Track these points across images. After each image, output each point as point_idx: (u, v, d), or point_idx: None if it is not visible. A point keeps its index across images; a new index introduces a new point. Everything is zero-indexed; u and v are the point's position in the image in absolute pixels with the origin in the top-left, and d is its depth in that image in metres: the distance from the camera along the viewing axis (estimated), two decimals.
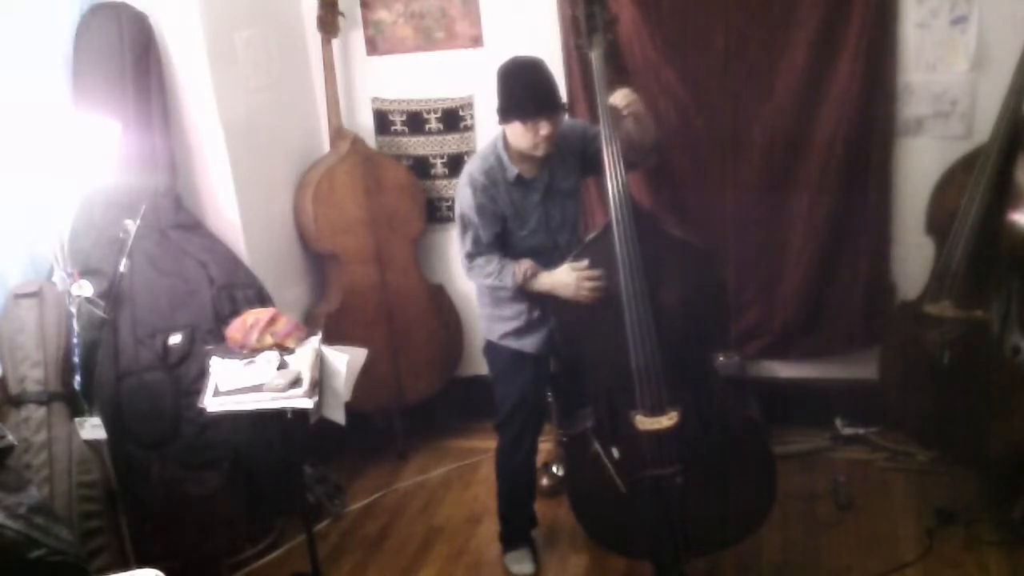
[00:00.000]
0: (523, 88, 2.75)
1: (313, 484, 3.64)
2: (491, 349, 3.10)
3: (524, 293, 2.89)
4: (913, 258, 3.46)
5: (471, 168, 2.89)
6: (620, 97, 2.75)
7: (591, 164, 2.88)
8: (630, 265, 2.66)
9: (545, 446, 3.52)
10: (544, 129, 2.74)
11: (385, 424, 4.05)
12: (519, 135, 2.78)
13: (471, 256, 2.92)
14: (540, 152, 2.80)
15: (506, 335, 3.02)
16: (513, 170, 2.86)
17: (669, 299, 2.71)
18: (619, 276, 2.67)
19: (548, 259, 2.89)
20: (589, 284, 2.73)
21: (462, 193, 2.88)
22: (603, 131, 2.73)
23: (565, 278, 2.76)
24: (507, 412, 3.09)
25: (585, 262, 2.74)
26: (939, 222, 3.21)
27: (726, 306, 2.88)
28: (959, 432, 3.18)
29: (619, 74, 2.88)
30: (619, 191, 2.68)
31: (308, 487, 3.58)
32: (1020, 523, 3.08)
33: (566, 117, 2.96)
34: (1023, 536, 3.05)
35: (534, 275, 2.83)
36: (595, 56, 2.80)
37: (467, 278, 3.04)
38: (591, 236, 2.87)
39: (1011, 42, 3.07)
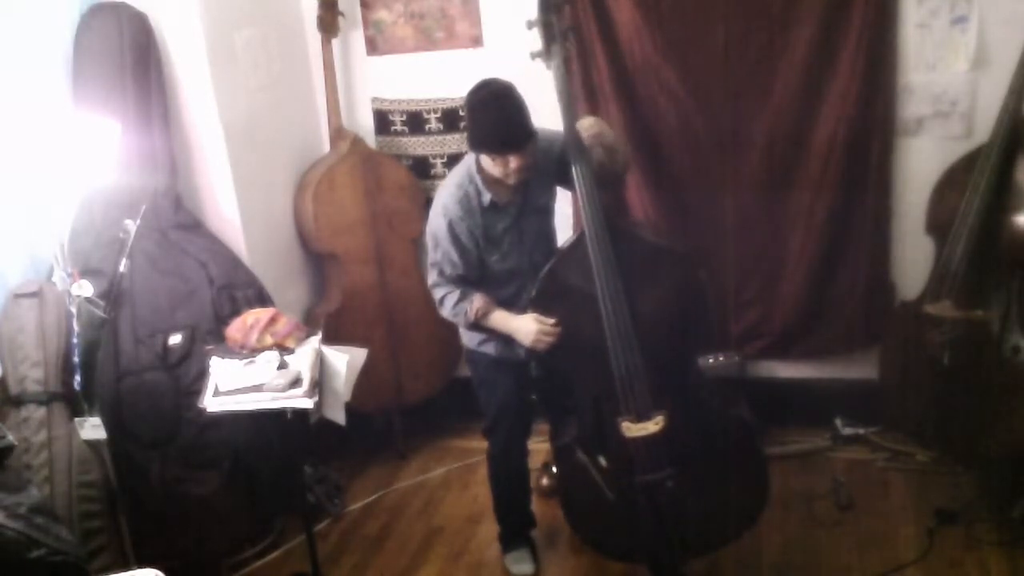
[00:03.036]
0: (491, 123, 2.66)
1: (313, 484, 3.64)
2: (471, 356, 3.07)
3: (480, 328, 2.87)
4: (913, 258, 3.46)
5: (445, 198, 2.81)
6: (585, 127, 2.73)
7: (565, 176, 2.78)
8: (605, 273, 2.65)
9: (544, 446, 3.52)
10: (514, 162, 2.67)
11: (385, 424, 4.05)
12: (490, 165, 2.72)
13: (435, 285, 2.88)
14: (512, 181, 2.74)
15: (484, 342, 2.97)
16: (487, 195, 2.79)
17: (647, 304, 2.70)
18: (595, 284, 2.66)
19: (523, 280, 2.86)
20: (548, 340, 2.73)
21: (436, 222, 2.82)
22: (569, 144, 2.69)
23: (526, 326, 2.75)
24: (492, 418, 3.09)
25: (552, 320, 2.72)
26: (939, 222, 3.21)
27: (707, 307, 2.86)
28: (959, 432, 3.18)
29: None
30: (590, 200, 2.65)
31: (308, 487, 3.58)
32: (1020, 523, 3.08)
33: (543, 131, 2.82)
34: (1023, 536, 3.05)
35: (486, 314, 2.81)
36: (555, 67, 2.72)
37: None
38: (565, 245, 2.85)
39: (1011, 42, 3.08)
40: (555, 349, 2.77)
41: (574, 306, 2.73)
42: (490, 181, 2.78)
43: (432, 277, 2.89)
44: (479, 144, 2.71)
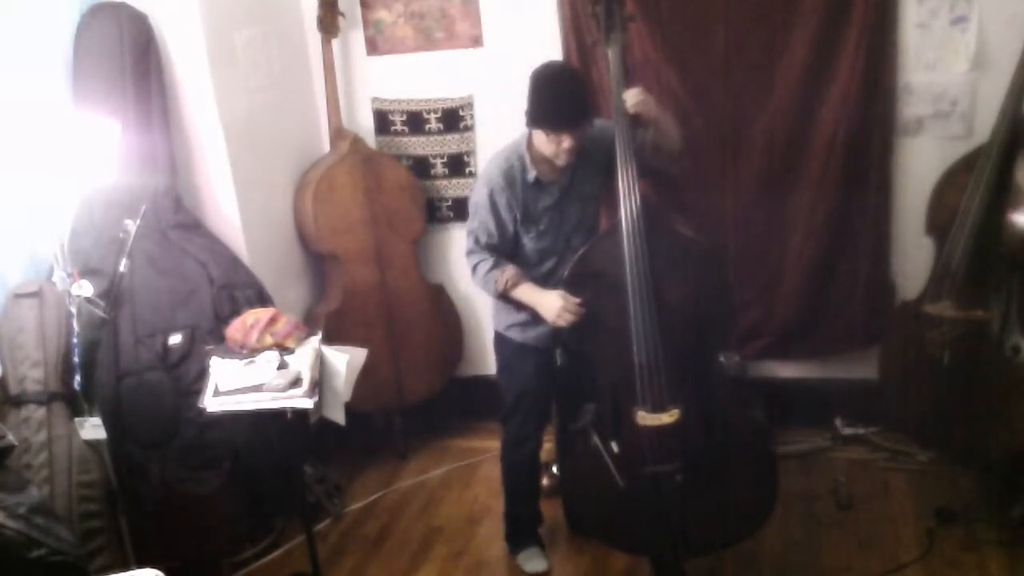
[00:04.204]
0: (552, 99, 2.74)
1: (313, 484, 3.64)
2: (497, 340, 3.13)
3: (508, 299, 2.92)
4: (913, 258, 3.46)
5: (491, 168, 2.91)
6: (630, 96, 2.74)
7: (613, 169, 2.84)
8: (637, 261, 2.67)
9: (546, 445, 3.51)
10: (567, 142, 2.74)
11: (385, 424, 4.06)
12: (543, 143, 2.79)
13: (469, 252, 2.97)
14: (561, 162, 2.81)
15: (511, 326, 3.03)
16: (532, 172, 2.86)
17: (675, 296, 2.72)
18: (625, 272, 2.68)
19: (559, 260, 2.91)
20: (570, 317, 2.76)
21: (479, 190, 2.92)
22: (617, 129, 2.72)
23: (552, 302, 2.78)
24: (511, 404, 3.11)
25: (578, 300, 2.76)
26: (939, 222, 3.21)
27: (731, 305, 2.88)
28: (959, 432, 3.18)
29: (627, 75, 2.86)
30: (629, 188, 2.68)
31: (308, 487, 3.58)
32: (1020, 523, 3.08)
33: (598, 121, 2.93)
34: (1023, 536, 3.05)
35: (515, 285, 2.87)
36: (612, 53, 2.79)
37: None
38: (601, 232, 2.89)
39: (1011, 42, 3.08)
40: (579, 331, 2.80)
41: (604, 292, 2.75)
42: (538, 159, 2.86)
43: (468, 244, 2.97)
44: (536, 119, 2.78)
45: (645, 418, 2.73)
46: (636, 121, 2.76)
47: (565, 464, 3.18)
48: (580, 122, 2.76)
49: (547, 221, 2.91)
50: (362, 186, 3.76)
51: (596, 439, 2.80)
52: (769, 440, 2.93)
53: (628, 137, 2.71)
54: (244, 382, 2.76)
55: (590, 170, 2.92)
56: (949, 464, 3.41)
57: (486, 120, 3.82)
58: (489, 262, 2.91)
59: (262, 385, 2.73)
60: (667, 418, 2.72)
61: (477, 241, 2.94)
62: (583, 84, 2.78)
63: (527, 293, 2.88)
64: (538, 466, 3.26)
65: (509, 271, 2.88)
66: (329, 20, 3.71)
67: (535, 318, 2.94)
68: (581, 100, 2.79)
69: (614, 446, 2.78)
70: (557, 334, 2.91)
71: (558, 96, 2.75)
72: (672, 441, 2.74)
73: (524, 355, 3.05)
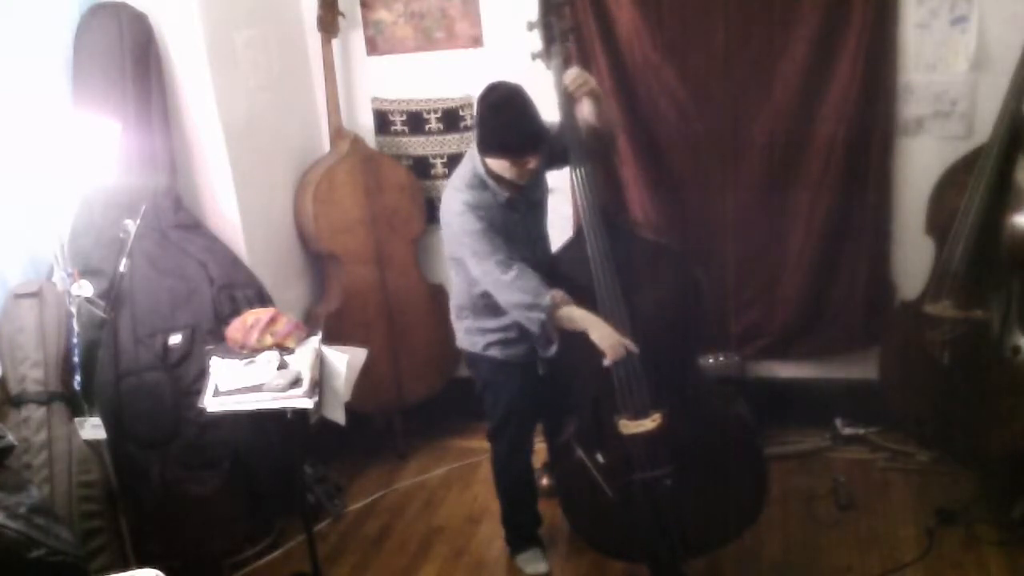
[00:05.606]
0: (510, 126, 2.64)
1: (313, 484, 3.64)
2: (474, 360, 3.04)
3: (550, 326, 2.68)
4: (913, 258, 3.46)
5: (463, 197, 2.73)
6: (570, 77, 2.67)
7: (555, 157, 2.78)
8: (603, 270, 2.65)
9: (541, 446, 3.51)
10: (532, 162, 2.68)
11: (385, 424, 4.06)
12: (504, 167, 2.70)
13: (503, 268, 2.66)
14: (525, 181, 2.76)
15: (490, 346, 2.95)
16: (503, 194, 2.77)
17: (646, 302, 2.70)
18: (592, 282, 2.66)
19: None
20: (625, 352, 2.62)
21: (464, 220, 2.70)
22: (568, 142, 2.70)
23: (612, 332, 2.61)
24: (500, 419, 3.06)
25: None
26: (939, 222, 3.21)
27: (703, 304, 2.87)
28: (959, 432, 3.19)
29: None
30: (588, 199, 2.66)
31: (308, 487, 3.58)
32: (1020, 523, 3.08)
33: None
34: (1023, 536, 3.05)
35: (566, 303, 2.65)
36: (554, 67, 2.75)
37: (496, 295, 2.74)
38: (564, 244, 2.86)
39: (1011, 42, 3.08)
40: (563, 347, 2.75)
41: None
42: (499, 180, 2.78)
43: (490, 265, 2.67)
44: (497, 148, 2.68)
45: (628, 426, 2.72)
46: (580, 104, 2.69)
47: (557, 476, 3.16)
48: (542, 141, 2.67)
49: (522, 235, 2.84)
50: (362, 186, 3.76)
51: (580, 452, 2.78)
52: (755, 434, 2.92)
53: (581, 150, 2.68)
54: (244, 382, 2.76)
55: (537, 177, 2.86)
56: (949, 464, 3.41)
57: None
58: (537, 277, 2.65)
59: (262, 385, 2.73)
60: (650, 424, 2.71)
61: (497, 253, 2.65)
62: (532, 102, 2.65)
63: (584, 317, 2.63)
64: (532, 471, 3.25)
65: (556, 290, 2.65)
66: (329, 20, 3.71)
67: (520, 334, 2.85)
68: (538, 119, 2.66)
69: (599, 457, 2.77)
70: (537, 347, 2.87)
71: (517, 121, 2.63)
72: (658, 446, 2.73)
73: (508, 371, 2.97)
